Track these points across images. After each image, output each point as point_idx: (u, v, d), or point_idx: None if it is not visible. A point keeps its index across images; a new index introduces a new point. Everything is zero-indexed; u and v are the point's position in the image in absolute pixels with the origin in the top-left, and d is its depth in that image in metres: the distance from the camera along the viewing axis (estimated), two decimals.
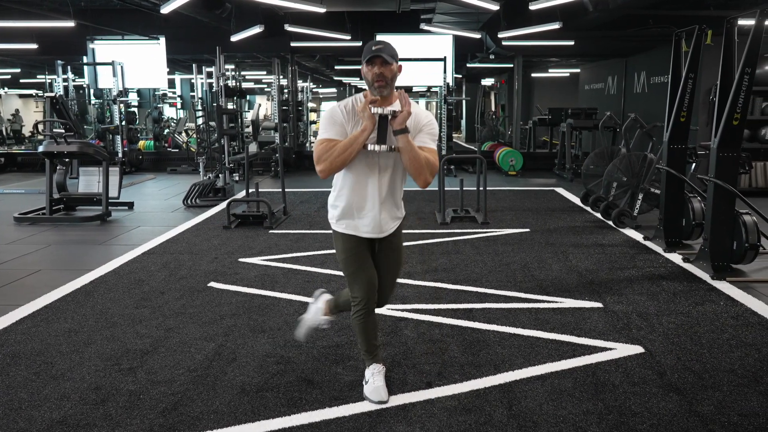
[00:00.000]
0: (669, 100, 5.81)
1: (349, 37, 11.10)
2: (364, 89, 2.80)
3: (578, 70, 16.86)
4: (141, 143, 13.77)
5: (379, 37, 12.02)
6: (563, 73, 19.04)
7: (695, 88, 5.63)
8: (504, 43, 11.26)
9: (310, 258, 5.50)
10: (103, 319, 3.99)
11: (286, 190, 7.75)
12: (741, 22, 4.97)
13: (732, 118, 4.76)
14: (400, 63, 2.71)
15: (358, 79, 21.70)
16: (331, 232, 2.96)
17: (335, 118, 2.70)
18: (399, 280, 4.50)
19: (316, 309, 3.30)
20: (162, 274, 5.01)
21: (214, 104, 9.56)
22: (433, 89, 12.69)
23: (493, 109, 21.68)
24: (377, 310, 3.00)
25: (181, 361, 3.34)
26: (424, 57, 11.79)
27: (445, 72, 11.69)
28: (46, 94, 9.41)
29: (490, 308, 4.15)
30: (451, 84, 12.09)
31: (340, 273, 4.97)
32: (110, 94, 12.22)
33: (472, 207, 7.50)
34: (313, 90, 23.29)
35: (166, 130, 15.62)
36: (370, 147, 2.66)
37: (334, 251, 5.60)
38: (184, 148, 14.64)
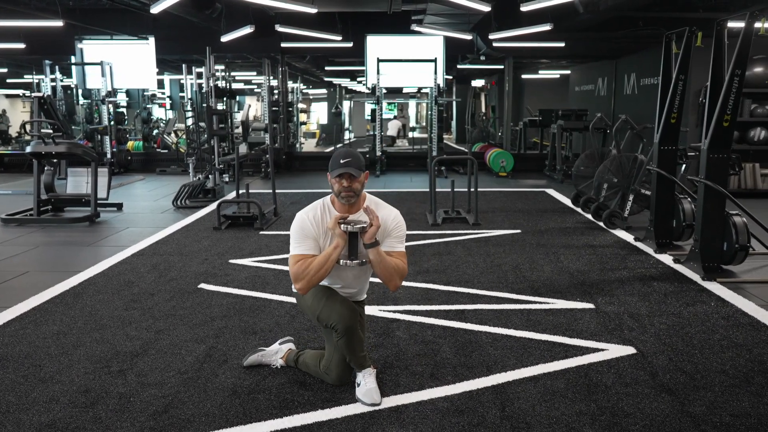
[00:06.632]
0: (659, 102, 5.84)
1: (340, 38, 11.07)
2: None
3: (568, 72, 16.94)
4: (130, 144, 13.68)
5: (370, 38, 12.05)
6: (553, 74, 19.11)
7: (685, 89, 5.66)
8: (495, 44, 11.28)
9: None
10: (92, 321, 3.95)
11: (276, 191, 7.72)
12: (731, 24, 5.01)
13: (722, 119, 4.79)
14: (366, 171, 2.84)
15: (349, 80, 21.65)
16: None
17: (306, 232, 2.83)
18: None
19: (277, 350, 3.29)
20: (152, 276, 4.97)
21: (204, 105, 9.52)
22: (424, 90, 12.70)
23: (483, 110, 21.73)
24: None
25: (171, 363, 3.31)
26: (415, 58, 11.80)
27: (435, 73, 11.71)
28: (34, 94, 9.31)
29: (482, 309, 4.14)
30: (441, 85, 12.11)
31: None
32: (99, 95, 12.12)
33: (463, 208, 7.51)
34: (304, 91, 23.22)
35: (155, 131, 15.51)
36: (342, 262, 2.80)
37: None
38: (174, 149, 14.57)
